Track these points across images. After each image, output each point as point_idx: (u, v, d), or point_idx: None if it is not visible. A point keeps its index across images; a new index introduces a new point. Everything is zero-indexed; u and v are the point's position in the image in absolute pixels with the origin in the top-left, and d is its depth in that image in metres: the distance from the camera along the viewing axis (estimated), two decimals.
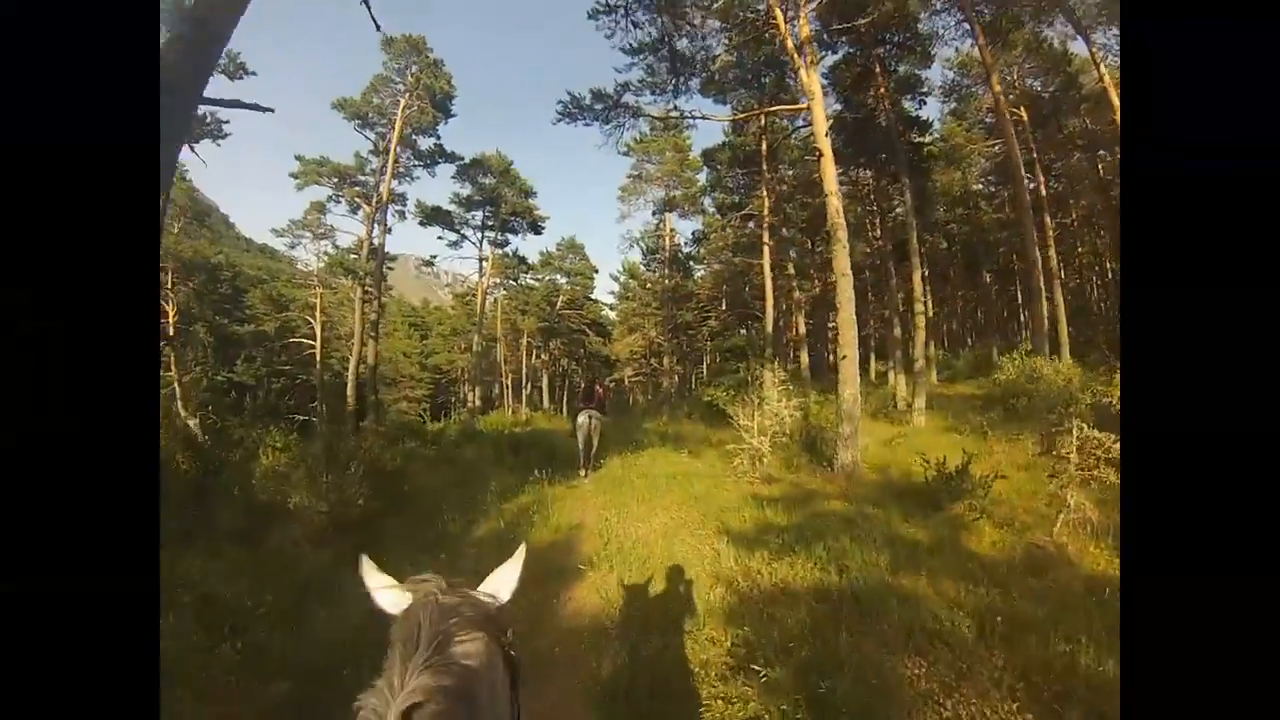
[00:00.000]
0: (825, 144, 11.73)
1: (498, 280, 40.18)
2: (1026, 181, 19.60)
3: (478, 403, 34.88)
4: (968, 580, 5.35)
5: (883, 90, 19.24)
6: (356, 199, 28.21)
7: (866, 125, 20.08)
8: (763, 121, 22.51)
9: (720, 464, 11.01)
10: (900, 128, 19.72)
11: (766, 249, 23.76)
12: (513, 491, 9.65)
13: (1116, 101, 16.55)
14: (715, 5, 13.97)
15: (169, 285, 30.58)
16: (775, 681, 3.86)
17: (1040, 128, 26.42)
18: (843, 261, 11.31)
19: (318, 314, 35.76)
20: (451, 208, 32.76)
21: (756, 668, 3.98)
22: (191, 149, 12.61)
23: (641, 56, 15.16)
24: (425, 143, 28.82)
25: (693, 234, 37.54)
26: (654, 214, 36.14)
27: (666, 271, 37.80)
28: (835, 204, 11.50)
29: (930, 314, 22.43)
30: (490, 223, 33.95)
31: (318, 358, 35.35)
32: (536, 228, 35.62)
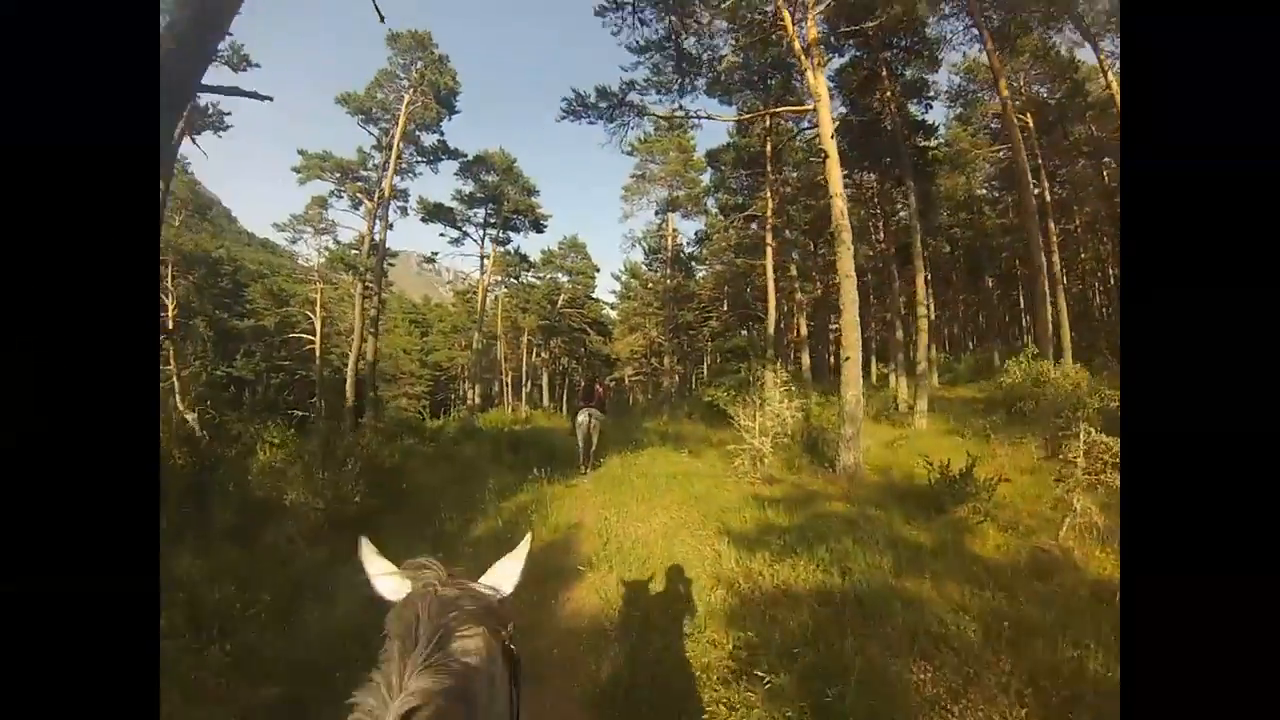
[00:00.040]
0: (831, 146, 11.68)
1: (499, 278, 40.17)
2: (1032, 187, 19.51)
3: (477, 400, 34.79)
4: (972, 584, 5.29)
5: (889, 94, 19.19)
6: (358, 194, 28.14)
7: (872, 128, 20.03)
8: (768, 123, 22.45)
9: (721, 464, 10.96)
10: (906, 131, 19.67)
11: (769, 250, 23.69)
12: (511, 490, 9.60)
13: None
14: (723, 5, 13.88)
15: (169, 279, 30.52)
16: (779, 688, 3.78)
17: (1045, 134, 26.33)
18: (847, 263, 11.27)
19: (318, 309, 35.73)
20: (454, 204, 32.76)
21: (760, 673, 3.90)
22: (193, 141, 12.58)
23: (648, 55, 15.12)
24: (428, 139, 28.77)
25: (695, 234, 37.63)
26: (657, 214, 36.17)
27: (668, 271, 37.78)
28: (840, 206, 11.45)
29: (932, 317, 22.38)
30: (492, 220, 33.90)
31: (317, 353, 35.31)
32: (539, 226, 35.58)
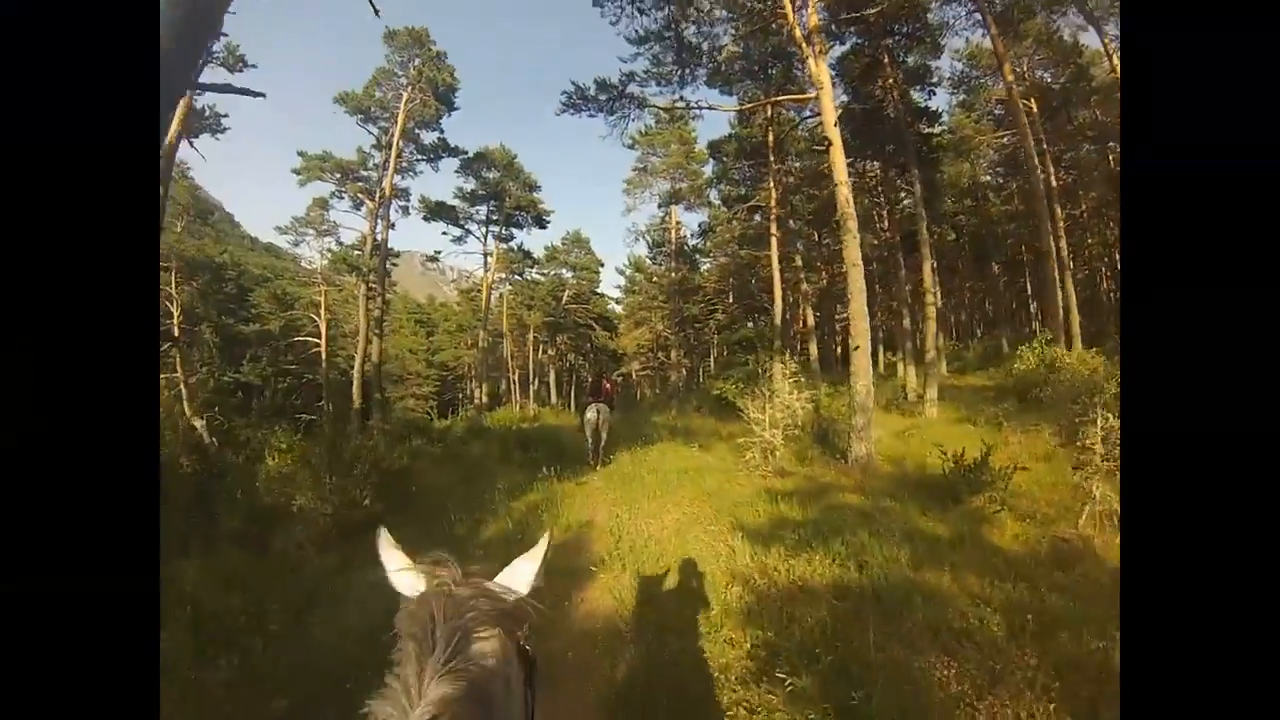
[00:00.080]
0: (835, 133, 11.56)
1: (503, 275, 40.08)
2: (1038, 172, 19.37)
3: (485, 399, 34.75)
4: (993, 575, 5.18)
5: (891, 81, 19.05)
6: (359, 194, 28.13)
7: (874, 116, 19.91)
8: (769, 112, 22.32)
9: (731, 458, 10.86)
10: (909, 119, 19.53)
11: (774, 241, 23.59)
12: (521, 489, 9.51)
13: None
14: None
15: (173, 286, 30.52)
16: (801, 689, 3.69)
17: (1049, 119, 26.17)
18: (853, 252, 11.15)
19: (322, 312, 35.71)
20: (455, 202, 32.69)
21: (781, 675, 3.80)
22: (190, 144, 12.50)
23: (647, 46, 14.99)
24: (428, 137, 28.79)
25: (699, 226, 37.51)
26: (660, 207, 36.20)
27: (673, 265, 37.76)
28: (845, 194, 11.33)
29: (939, 305, 22.25)
30: (495, 217, 33.84)
31: (323, 356, 35.32)
32: (541, 222, 35.49)
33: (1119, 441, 6.40)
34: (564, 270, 46.88)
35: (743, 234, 30.47)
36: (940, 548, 5.94)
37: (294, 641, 4.63)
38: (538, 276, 45.35)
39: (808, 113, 20.78)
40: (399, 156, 26.71)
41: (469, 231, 33.65)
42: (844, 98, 20.07)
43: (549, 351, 50.48)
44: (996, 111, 29.87)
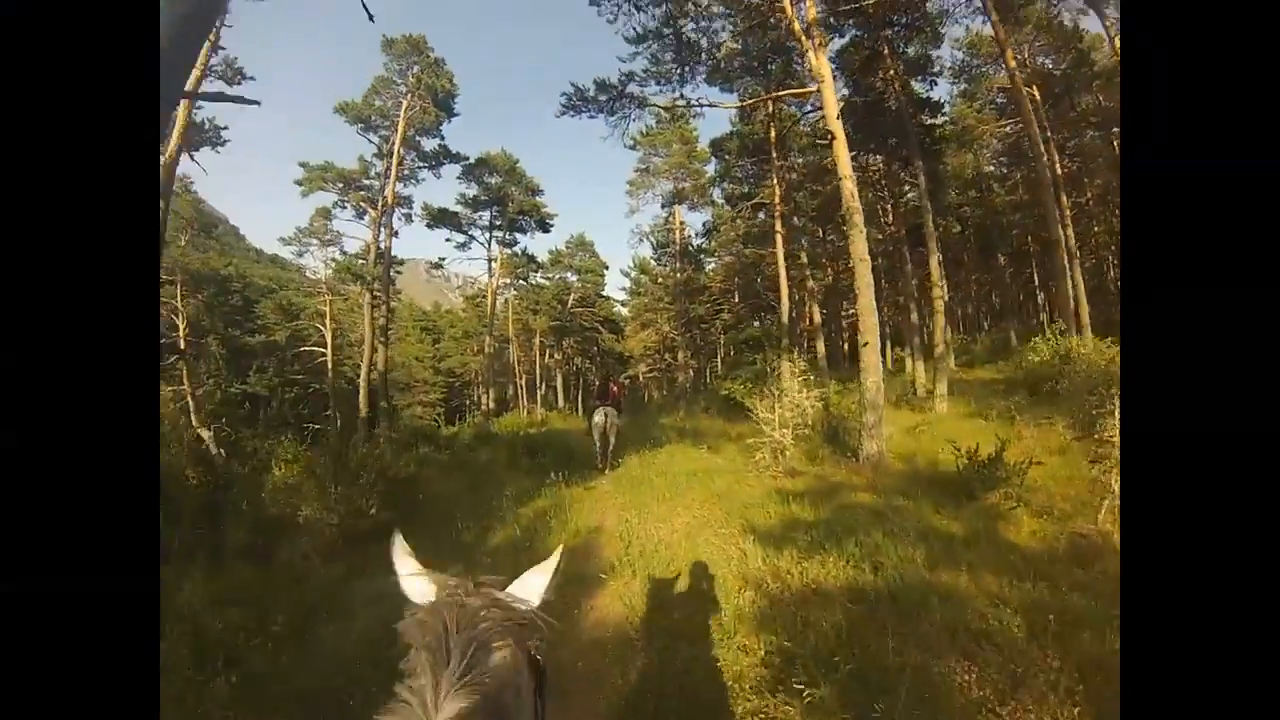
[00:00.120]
0: (837, 127, 11.44)
1: (508, 280, 40.08)
2: (1044, 158, 19.21)
3: (492, 405, 34.77)
4: (1011, 574, 5.07)
5: (892, 72, 18.95)
6: (362, 203, 28.12)
7: (876, 109, 19.83)
8: (770, 108, 22.19)
9: (741, 459, 10.78)
10: (911, 110, 19.43)
11: (779, 238, 23.46)
12: (529, 495, 9.44)
13: None
14: None
15: (178, 299, 30.56)
16: (820, 700, 3.57)
17: (1052, 106, 26.01)
18: (860, 246, 11.04)
19: (328, 321, 35.75)
20: (458, 209, 32.65)
21: (798, 684, 3.69)
22: (192, 157, 12.49)
23: (645, 45, 14.92)
24: (429, 144, 28.75)
25: (703, 225, 37.44)
26: (663, 207, 36.12)
27: (678, 265, 37.71)
28: (850, 187, 11.21)
29: (946, 298, 22.13)
30: (498, 222, 33.84)
31: (329, 365, 35.36)
32: (545, 226, 35.45)
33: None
34: (569, 274, 46.91)
35: (747, 232, 30.36)
36: (956, 546, 5.82)
37: (299, 654, 4.56)
38: (542, 281, 45.42)
39: (809, 107, 20.72)
40: (400, 164, 26.68)
41: (472, 237, 33.67)
42: (845, 91, 20.02)
43: (555, 356, 50.50)
44: (998, 100, 29.72)
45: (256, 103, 4.66)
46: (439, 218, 31.54)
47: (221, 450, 11.99)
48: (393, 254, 27.78)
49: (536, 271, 42.68)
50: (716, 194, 33.17)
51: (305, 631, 4.95)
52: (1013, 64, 18.30)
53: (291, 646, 4.66)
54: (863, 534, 6.09)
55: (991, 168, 35.46)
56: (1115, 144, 26.63)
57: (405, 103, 26.44)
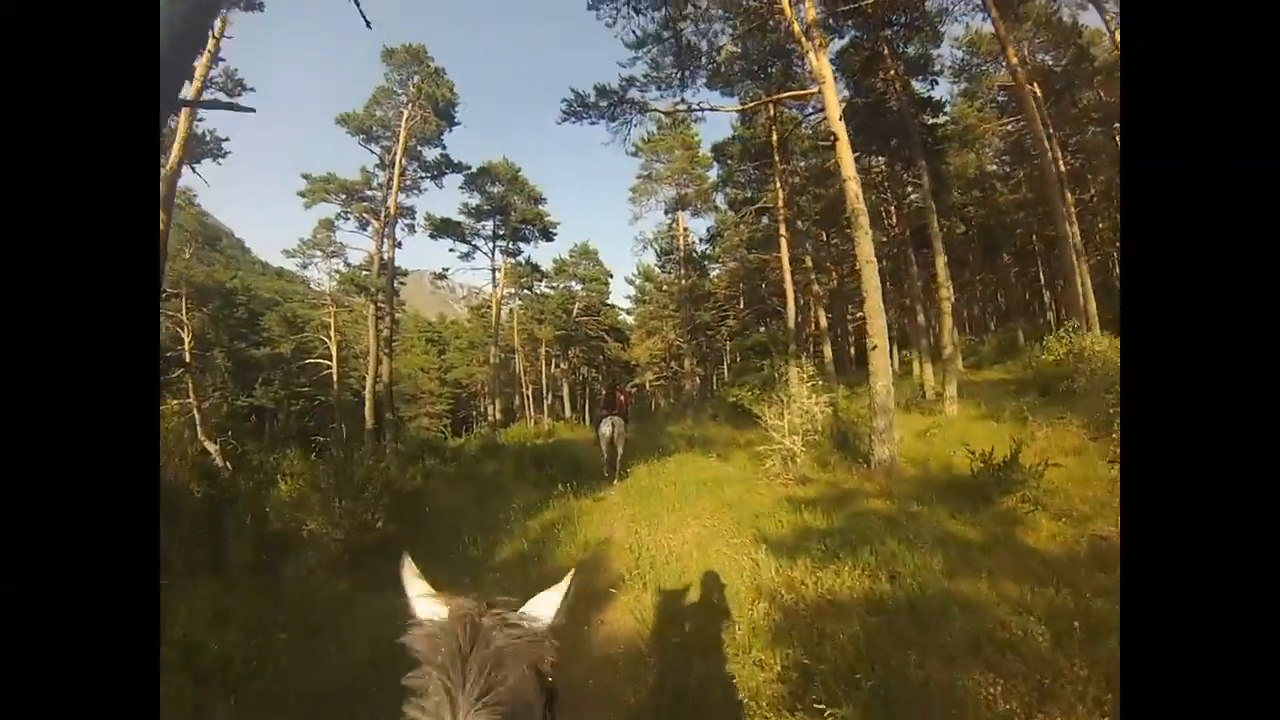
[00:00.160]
0: (840, 128, 11.35)
1: (512, 290, 40.15)
2: (1047, 155, 19.10)
3: (499, 415, 34.67)
4: (1032, 580, 4.94)
5: (892, 73, 18.87)
6: (365, 214, 28.22)
7: (877, 110, 19.73)
8: (772, 111, 22.15)
9: (750, 466, 10.66)
10: (913, 110, 19.33)
11: (783, 242, 23.39)
12: (537, 507, 9.32)
13: None
14: None
15: (184, 312, 30.62)
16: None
17: (1054, 103, 25.93)
18: (866, 248, 10.93)
19: (333, 333, 35.83)
20: (461, 218, 32.71)
21: (819, 705, 3.56)
22: (193, 169, 12.46)
23: (645, 49, 14.89)
24: (431, 153, 28.87)
25: (707, 230, 37.43)
26: (666, 213, 36.14)
27: (682, 272, 37.75)
28: (854, 189, 11.12)
29: (952, 299, 22.02)
30: (501, 232, 33.88)
31: (334, 378, 35.37)
32: (548, 234, 35.47)
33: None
34: (573, 282, 46.90)
35: (751, 237, 30.27)
36: (974, 553, 5.71)
37: (303, 670, 4.46)
38: (547, 290, 45.40)
39: (810, 109, 20.66)
40: (402, 174, 26.74)
41: (476, 247, 33.73)
42: (846, 92, 19.91)
43: (561, 365, 50.45)
44: (1000, 99, 29.67)
45: (251, 109, 4.62)
46: (442, 228, 31.58)
47: (227, 464, 11.94)
48: (396, 265, 27.82)
49: (541, 280, 42.69)
50: (720, 199, 33.20)
51: (309, 649, 4.85)
52: (1014, 61, 18.23)
53: (295, 666, 4.56)
54: (878, 542, 5.98)
55: (994, 166, 35.43)
56: (1117, 139, 26.56)
57: (406, 113, 26.52)
